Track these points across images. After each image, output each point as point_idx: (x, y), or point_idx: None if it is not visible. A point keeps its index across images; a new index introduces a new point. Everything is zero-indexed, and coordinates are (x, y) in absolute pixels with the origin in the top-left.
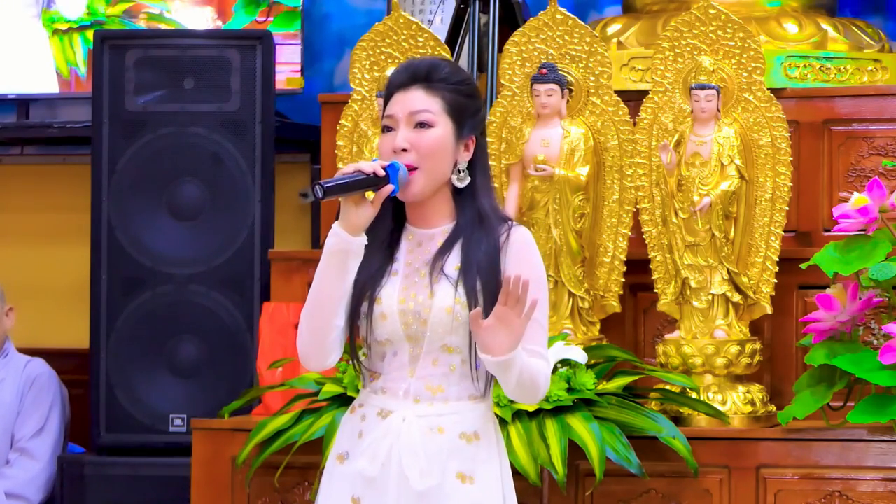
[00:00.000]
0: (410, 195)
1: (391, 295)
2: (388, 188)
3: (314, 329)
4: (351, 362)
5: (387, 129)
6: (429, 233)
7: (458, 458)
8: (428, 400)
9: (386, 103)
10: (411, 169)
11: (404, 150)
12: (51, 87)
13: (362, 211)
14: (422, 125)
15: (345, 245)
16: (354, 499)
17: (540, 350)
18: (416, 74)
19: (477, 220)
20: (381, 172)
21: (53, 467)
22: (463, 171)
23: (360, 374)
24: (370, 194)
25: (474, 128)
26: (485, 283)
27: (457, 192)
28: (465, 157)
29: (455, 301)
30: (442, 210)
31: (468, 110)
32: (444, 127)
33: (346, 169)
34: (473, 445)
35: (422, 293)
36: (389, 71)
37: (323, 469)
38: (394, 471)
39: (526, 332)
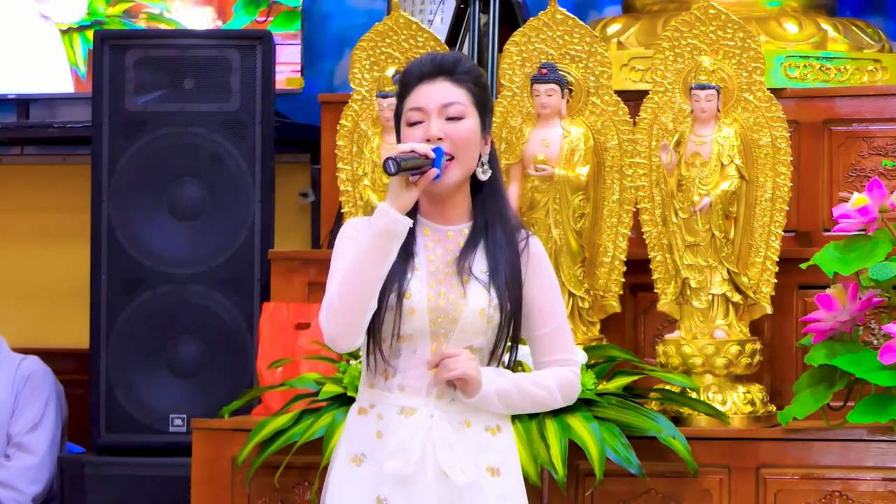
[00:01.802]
0: (445, 186)
1: (419, 290)
2: (433, 172)
3: (351, 310)
4: (369, 358)
5: (415, 122)
6: (446, 229)
7: (486, 451)
8: (450, 395)
9: (404, 94)
10: (449, 158)
11: (439, 139)
12: (51, 87)
13: (410, 193)
14: (453, 118)
15: (394, 225)
16: (380, 499)
17: (563, 357)
18: (442, 67)
19: (497, 221)
20: (432, 155)
21: (51, 464)
22: (486, 164)
23: (372, 372)
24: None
25: (490, 123)
26: (512, 292)
27: (475, 190)
28: (486, 150)
29: (489, 304)
30: (461, 206)
31: (487, 104)
32: (473, 119)
33: (402, 147)
34: (497, 438)
35: (452, 292)
36: (390, 71)
37: (322, 469)
38: (430, 467)
39: (549, 342)
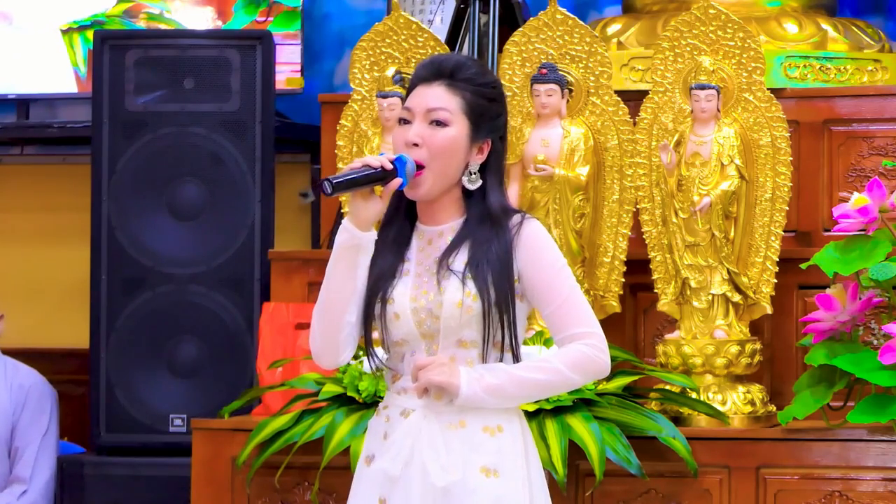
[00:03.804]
0: (419, 195)
1: (403, 294)
2: (397, 182)
3: (325, 327)
4: (369, 363)
5: (404, 121)
6: (437, 230)
7: (481, 451)
8: (448, 396)
9: (408, 95)
10: (419, 166)
11: (415, 144)
12: (51, 87)
13: (371, 205)
14: (437, 123)
15: (355, 240)
16: (381, 500)
17: (574, 331)
18: (441, 70)
19: (486, 216)
20: (389, 166)
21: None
22: (474, 173)
23: (385, 376)
24: (379, 189)
25: (492, 131)
26: (497, 280)
27: (467, 191)
28: (477, 159)
29: (465, 294)
30: (451, 208)
31: (488, 113)
32: (458, 127)
33: (353, 164)
34: (497, 438)
35: (432, 290)
36: (390, 71)
37: (321, 469)
38: (416, 468)
39: (558, 319)
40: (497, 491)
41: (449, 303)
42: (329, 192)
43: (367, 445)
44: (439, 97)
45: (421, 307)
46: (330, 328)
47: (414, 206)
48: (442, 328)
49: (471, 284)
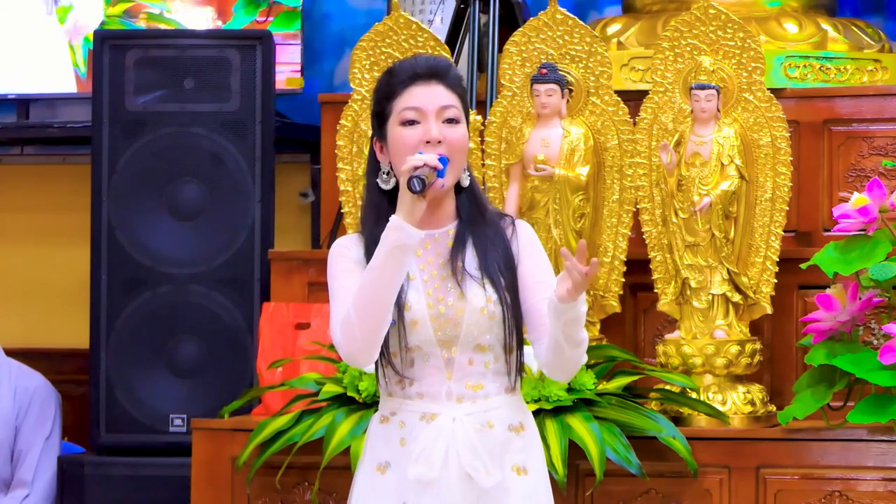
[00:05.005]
0: (440, 192)
1: (418, 300)
2: (440, 182)
3: (370, 327)
4: (385, 371)
5: (410, 122)
6: (432, 234)
7: (511, 450)
8: (470, 398)
9: (393, 93)
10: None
11: (439, 142)
12: (51, 87)
13: (421, 205)
14: (451, 121)
15: (409, 239)
16: None
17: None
18: (437, 71)
19: (479, 216)
20: (440, 165)
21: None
22: (465, 169)
23: (388, 383)
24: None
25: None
26: (509, 285)
27: (457, 192)
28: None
29: (487, 300)
30: (446, 210)
31: (468, 113)
32: (464, 125)
33: (414, 161)
34: (521, 436)
35: (450, 296)
36: None
37: (321, 470)
38: (453, 471)
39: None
40: (527, 489)
41: (472, 309)
42: (418, 189)
43: (377, 453)
44: (447, 96)
45: (440, 314)
46: (375, 329)
47: (394, 210)
48: (462, 334)
49: (490, 290)
